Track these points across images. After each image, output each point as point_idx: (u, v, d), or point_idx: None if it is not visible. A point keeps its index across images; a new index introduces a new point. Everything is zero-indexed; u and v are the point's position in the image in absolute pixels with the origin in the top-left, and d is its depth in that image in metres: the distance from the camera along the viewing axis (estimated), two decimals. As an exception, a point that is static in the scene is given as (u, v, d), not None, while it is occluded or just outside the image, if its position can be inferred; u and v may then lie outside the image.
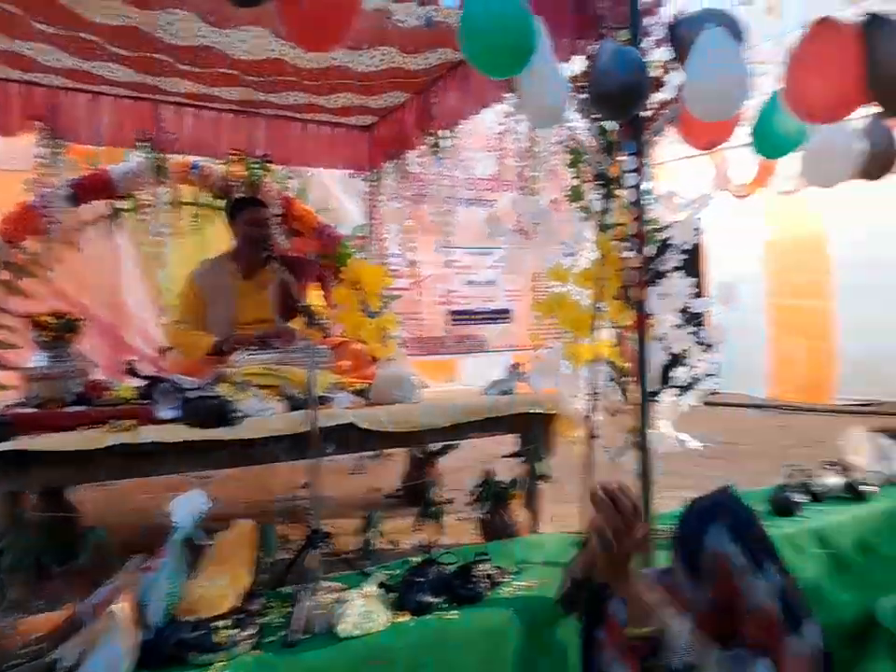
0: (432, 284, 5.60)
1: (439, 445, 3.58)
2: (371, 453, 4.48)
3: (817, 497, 3.17)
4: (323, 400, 2.75)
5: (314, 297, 4.07)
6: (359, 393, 3.01)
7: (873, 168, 3.32)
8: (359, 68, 3.64)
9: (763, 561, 1.28)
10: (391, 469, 4.18)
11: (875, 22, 2.21)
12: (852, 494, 3.20)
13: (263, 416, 2.63)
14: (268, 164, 4.43)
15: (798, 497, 3.04)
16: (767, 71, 2.94)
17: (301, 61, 3.50)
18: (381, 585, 2.17)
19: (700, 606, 1.33)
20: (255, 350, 3.15)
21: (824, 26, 2.29)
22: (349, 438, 2.65)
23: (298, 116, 4.50)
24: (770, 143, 3.04)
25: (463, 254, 5.89)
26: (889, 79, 2.14)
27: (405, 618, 2.05)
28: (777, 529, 2.83)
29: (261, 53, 3.38)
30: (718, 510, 1.35)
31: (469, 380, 4.95)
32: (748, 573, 1.27)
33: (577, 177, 2.85)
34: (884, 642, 2.89)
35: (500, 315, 6.22)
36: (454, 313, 5.84)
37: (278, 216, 4.27)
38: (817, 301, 6.55)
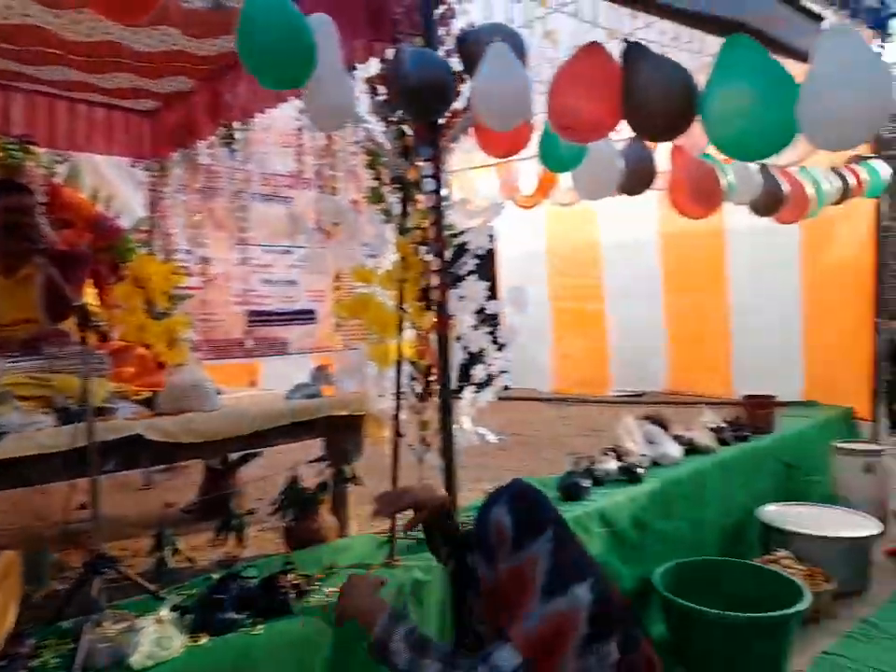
0: (227, 283, 5.28)
1: (239, 454, 3.40)
2: (163, 466, 4.13)
3: (599, 481, 3.49)
4: (102, 411, 2.48)
5: (88, 295, 3.65)
6: (146, 402, 2.76)
7: (633, 185, 3.75)
8: (136, 47, 3.32)
9: (543, 529, 1.32)
10: (187, 482, 3.88)
11: (634, 50, 2.43)
12: (627, 476, 3.57)
13: (29, 432, 2.29)
14: (29, 146, 3.90)
15: (584, 483, 3.33)
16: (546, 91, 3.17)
17: (65, 32, 3.10)
18: (175, 608, 2.00)
19: (491, 584, 1.37)
20: (17, 356, 2.75)
21: (589, 51, 2.48)
22: (137, 451, 2.41)
23: (65, 94, 4.01)
24: (554, 158, 3.29)
25: (261, 252, 5.64)
26: (643, 105, 2.35)
27: (204, 640, 1.91)
28: (567, 513, 3.07)
29: (13, 17, 2.95)
30: (504, 491, 1.42)
31: (271, 384, 4.74)
32: (518, 541, 1.31)
33: (376, 179, 2.86)
34: (658, 606, 3.28)
35: (303, 316, 6.05)
36: (252, 314, 5.56)
37: (43, 204, 3.77)
38: (592, 303, 7.26)
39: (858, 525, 3.91)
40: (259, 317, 5.68)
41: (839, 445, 4.88)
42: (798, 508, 4.21)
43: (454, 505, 2.51)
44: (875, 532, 3.83)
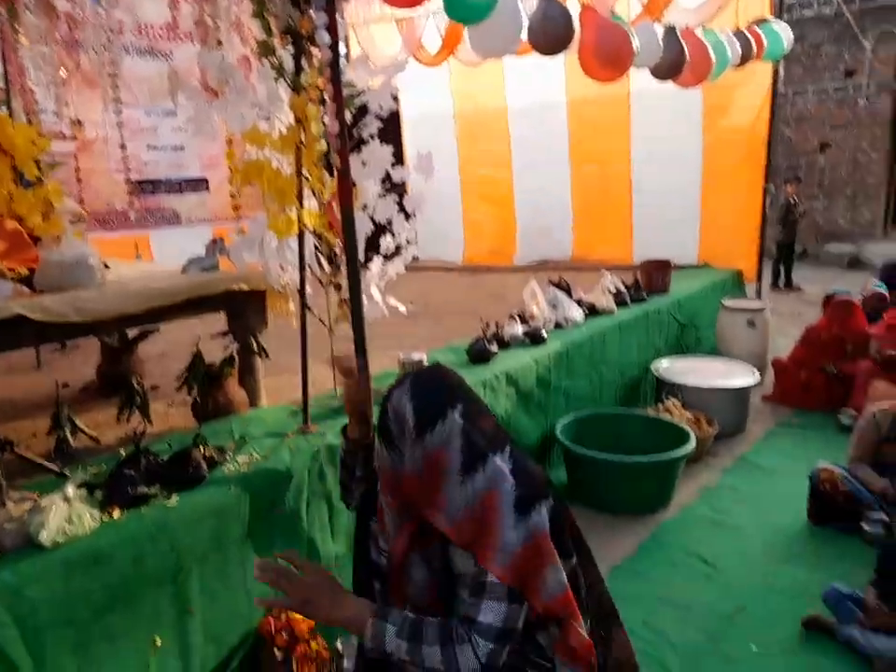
0: (105, 148, 4.74)
1: (137, 331, 3.25)
2: (52, 345, 3.90)
3: (505, 345, 3.61)
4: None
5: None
6: (24, 280, 2.54)
7: (550, 44, 3.60)
8: None
9: (450, 408, 1.21)
10: (83, 361, 3.70)
11: None
12: (532, 339, 3.70)
13: None
14: None
15: (491, 347, 3.42)
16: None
17: None
18: (83, 485, 1.96)
19: (399, 474, 1.25)
20: None
21: None
22: (20, 331, 2.25)
23: None
24: (461, 5, 3.09)
25: (141, 114, 5.10)
26: None
27: (117, 514, 1.90)
28: (476, 376, 3.17)
29: None
30: (406, 376, 1.30)
31: (163, 257, 4.45)
32: (422, 426, 1.20)
33: (265, 31, 2.60)
34: (559, 453, 3.53)
35: (194, 185, 5.62)
36: (137, 182, 5.10)
37: None
38: (500, 170, 7.14)
39: (740, 375, 4.26)
40: (146, 186, 5.23)
41: (726, 304, 5.22)
42: (687, 362, 4.54)
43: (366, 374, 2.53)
44: (754, 382, 4.20)
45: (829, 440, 4.01)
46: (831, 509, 3.11)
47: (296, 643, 2.10)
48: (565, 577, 1.19)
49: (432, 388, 1.25)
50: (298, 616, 2.18)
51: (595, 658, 1.24)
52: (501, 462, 1.20)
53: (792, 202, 9.01)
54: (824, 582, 2.55)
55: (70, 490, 1.83)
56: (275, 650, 2.09)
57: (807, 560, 2.89)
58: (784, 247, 9.05)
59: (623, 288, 4.61)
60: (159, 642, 1.90)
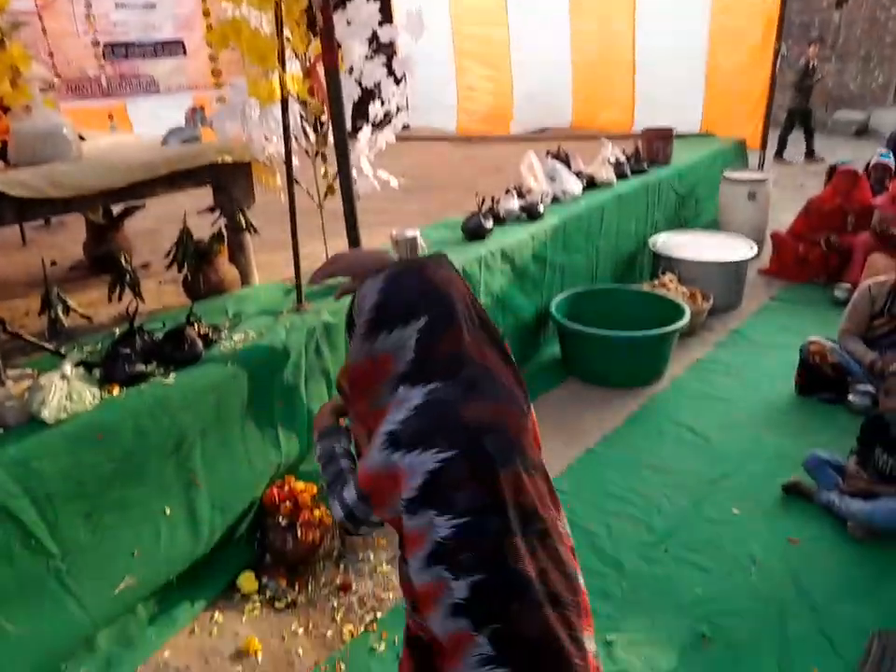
0: (70, 6, 4.31)
1: (120, 207, 3.14)
2: (35, 223, 3.78)
3: (501, 221, 3.52)
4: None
5: None
6: (-4, 154, 2.42)
7: None
8: None
9: (413, 317, 1.10)
10: (69, 238, 3.60)
11: None
12: (528, 214, 3.61)
13: None
14: None
15: (486, 223, 3.34)
16: None
17: None
18: (80, 363, 1.96)
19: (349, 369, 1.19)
20: None
21: None
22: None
23: None
24: None
25: (104, -34, 4.63)
26: None
27: (116, 391, 1.92)
28: (472, 253, 3.12)
29: None
30: (387, 271, 1.15)
31: (141, 128, 4.19)
32: (376, 326, 1.11)
33: None
34: (554, 329, 3.55)
35: (170, 48, 5.19)
36: (108, 46, 4.71)
37: None
38: (495, 29, 6.65)
39: (736, 249, 4.22)
40: (118, 50, 4.83)
41: (727, 175, 5.07)
42: (685, 236, 4.47)
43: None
44: (750, 255, 4.16)
45: (822, 314, 4.03)
46: (819, 380, 3.17)
47: (299, 511, 2.20)
48: (425, 522, 1.05)
49: (405, 291, 1.12)
50: (300, 486, 2.27)
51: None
52: (416, 395, 1.08)
53: (812, 65, 8.51)
54: (807, 450, 2.65)
55: (68, 368, 1.83)
56: (280, 517, 2.18)
57: (792, 429, 2.99)
58: (797, 114, 8.63)
59: (623, 159, 4.45)
60: (168, 511, 1.98)
